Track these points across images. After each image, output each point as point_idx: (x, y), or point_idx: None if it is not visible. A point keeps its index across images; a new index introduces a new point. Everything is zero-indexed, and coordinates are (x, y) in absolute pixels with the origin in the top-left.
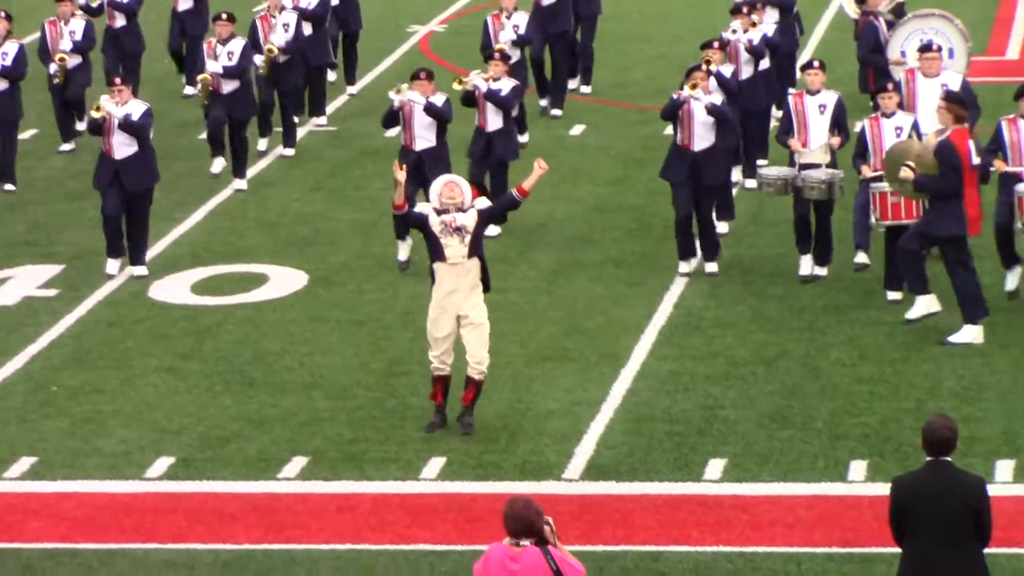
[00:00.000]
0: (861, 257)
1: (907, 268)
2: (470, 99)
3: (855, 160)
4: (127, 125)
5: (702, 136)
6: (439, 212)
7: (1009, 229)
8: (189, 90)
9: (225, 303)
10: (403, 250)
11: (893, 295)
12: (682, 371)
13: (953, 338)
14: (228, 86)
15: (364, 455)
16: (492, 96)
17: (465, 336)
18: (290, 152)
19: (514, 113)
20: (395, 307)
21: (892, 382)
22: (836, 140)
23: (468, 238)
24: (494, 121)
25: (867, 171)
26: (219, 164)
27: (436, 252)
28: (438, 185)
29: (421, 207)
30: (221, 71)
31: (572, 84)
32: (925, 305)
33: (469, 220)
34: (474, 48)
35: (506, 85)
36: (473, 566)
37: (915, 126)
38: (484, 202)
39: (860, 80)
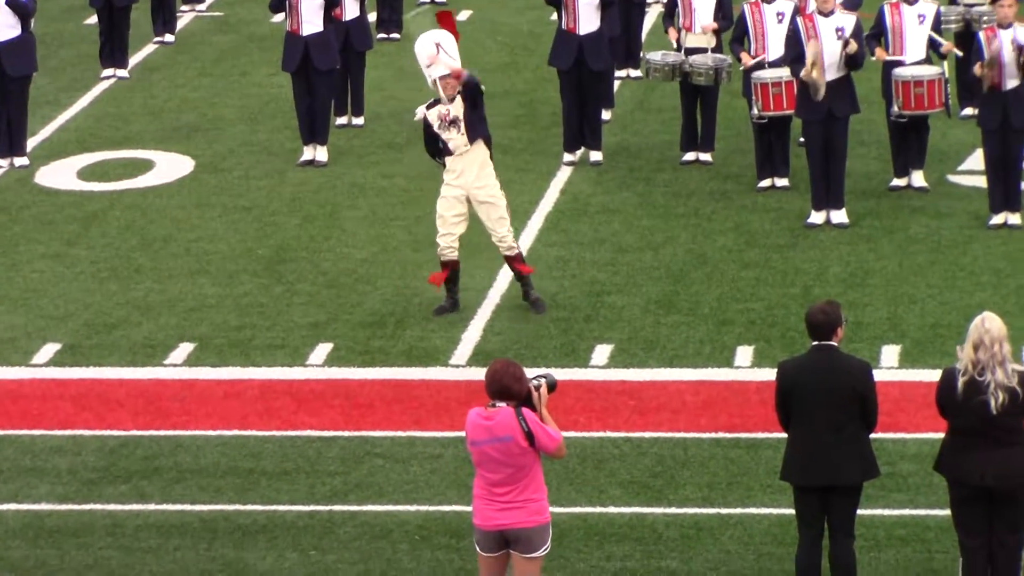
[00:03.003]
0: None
1: None
2: None
3: (733, 45)
4: (14, 3)
5: (587, 19)
6: (432, 105)
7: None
8: None
9: (111, 189)
10: None
11: (764, 183)
12: (569, 257)
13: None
14: None
15: (250, 341)
16: None
17: (481, 216)
18: (171, 39)
19: None
20: (282, 193)
21: (778, 268)
22: (713, 26)
23: (463, 126)
24: (352, 9)
25: (747, 58)
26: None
27: (443, 148)
28: (433, 72)
29: (419, 112)
30: None
31: None
32: None
33: (459, 110)
34: None
35: None
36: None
37: (796, 11)
38: (475, 77)
39: None
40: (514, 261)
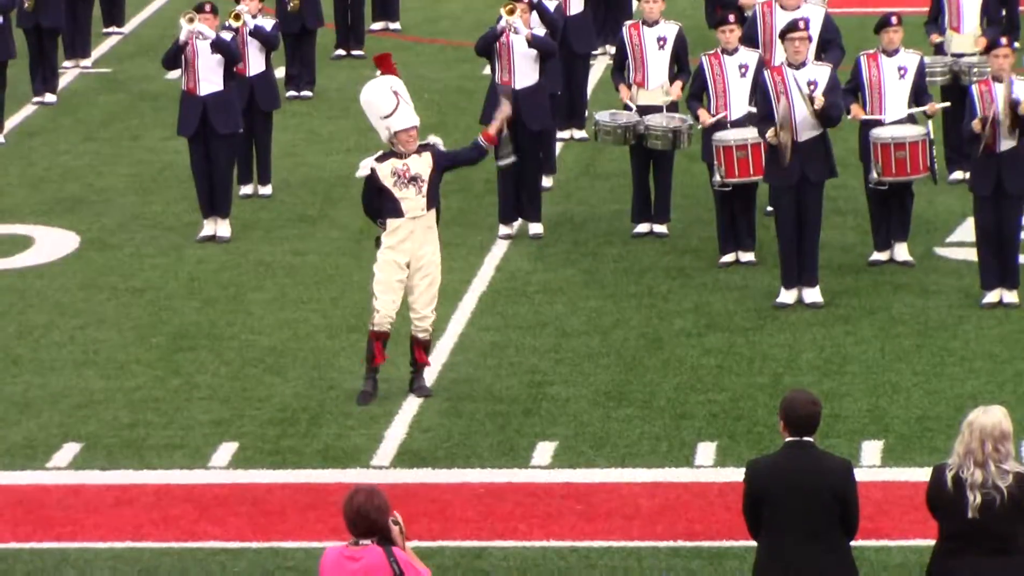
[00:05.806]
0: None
1: None
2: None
3: (690, 102)
4: None
5: (524, 73)
6: (383, 158)
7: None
8: None
9: None
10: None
11: (727, 258)
12: (506, 343)
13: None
14: None
15: (144, 441)
16: (258, 33)
17: (413, 288)
18: (52, 98)
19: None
20: (179, 273)
21: (744, 354)
22: (676, 88)
23: (425, 187)
24: (256, 64)
25: (706, 117)
26: None
27: (390, 207)
28: (395, 124)
29: (365, 165)
30: None
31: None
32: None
33: (424, 167)
34: None
35: (267, 22)
36: None
37: (760, 64)
38: (436, 141)
39: (706, 14)
40: (420, 346)
